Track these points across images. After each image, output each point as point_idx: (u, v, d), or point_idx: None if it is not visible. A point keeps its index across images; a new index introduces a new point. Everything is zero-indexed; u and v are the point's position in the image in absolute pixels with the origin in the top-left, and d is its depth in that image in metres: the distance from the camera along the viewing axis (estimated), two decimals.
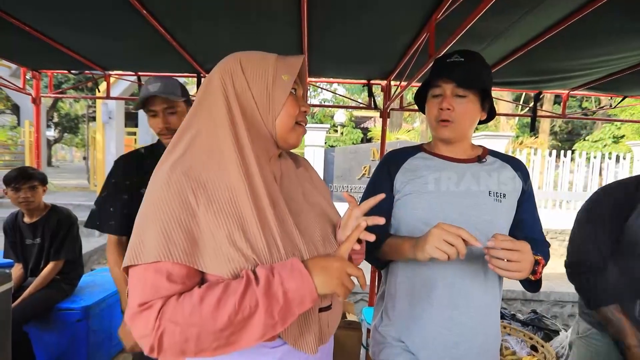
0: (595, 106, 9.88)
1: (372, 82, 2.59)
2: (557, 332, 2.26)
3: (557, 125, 13.81)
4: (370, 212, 0.93)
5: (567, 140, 14.13)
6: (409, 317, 0.87)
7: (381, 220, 0.62)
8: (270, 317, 0.51)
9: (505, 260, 0.69)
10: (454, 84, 0.85)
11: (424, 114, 0.96)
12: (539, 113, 2.70)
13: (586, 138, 11.42)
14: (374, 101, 2.72)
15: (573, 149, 9.07)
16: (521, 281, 0.81)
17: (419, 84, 0.99)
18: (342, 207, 0.92)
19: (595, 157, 6.32)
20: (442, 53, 1.08)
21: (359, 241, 0.69)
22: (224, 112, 0.61)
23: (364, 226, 0.61)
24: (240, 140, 0.60)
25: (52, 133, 15.98)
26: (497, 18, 1.51)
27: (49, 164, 13.82)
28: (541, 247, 0.85)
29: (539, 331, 2.31)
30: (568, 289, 3.78)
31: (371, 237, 0.60)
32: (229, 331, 0.51)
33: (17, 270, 1.96)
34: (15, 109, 11.19)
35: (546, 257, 0.83)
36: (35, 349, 1.86)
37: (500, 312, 2.51)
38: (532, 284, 0.81)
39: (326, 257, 0.58)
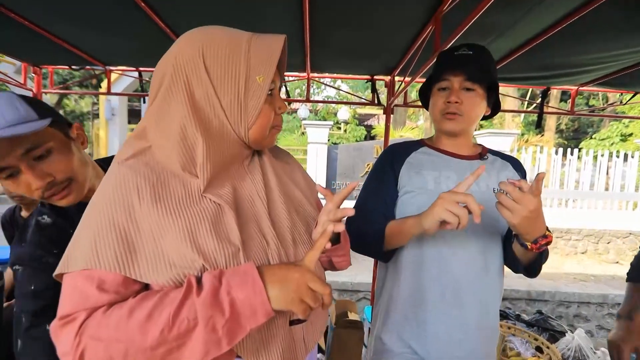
0: (603, 103, 9.73)
1: (375, 77, 2.54)
2: (562, 333, 2.22)
3: (564, 123, 13.64)
4: (374, 206, 0.91)
5: (573, 138, 13.96)
6: (413, 319, 0.85)
7: (350, 212, 0.56)
8: (212, 331, 0.43)
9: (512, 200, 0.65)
10: (463, 77, 0.83)
11: (427, 109, 0.94)
12: (546, 110, 2.64)
13: (593, 136, 11.27)
14: (378, 97, 2.68)
15: (580, 147, 8.95)
16: (521, 262, 0.81)
17: (424, 80, 0.96)
18: (346, 204, 0.88)
19: (602, 156, 6.22)
20: (447, 47, 1.05)
21: (337, 241, 0.64)
22: (177, 123, 0.51)
23: (330, 231, 0.52)
24: (197, 159, 0.52)
25: None
26: (504, 11, 1.46)
27: None
28: None
29: (544, 332, 2.27)
30: (573, 289, 3.73)
31: (340, 227, 0.53)
32: (164, 349, 0.43)
33: None
34: None
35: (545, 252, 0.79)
36: None
37: (505, 312, 2.49)
38: (531, 264, 0.79)
39: (287, 265, 0.49)
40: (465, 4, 1.31)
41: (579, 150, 6.45)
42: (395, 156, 0.93)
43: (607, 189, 6.18)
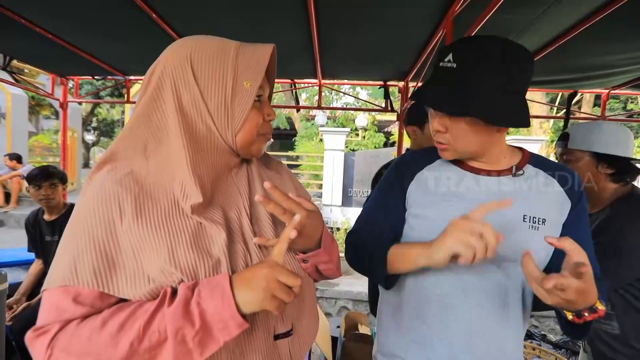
0: None
1: (388, 83, 2.49)
2: None
3: None
4: (376, 220, 0.79)
5: None
6: (415, 356, 0.72)
7: (305, 203, 0.52)
8: (182, 343, 0.42)
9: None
10: (439, 114, 0.67)
11: None
12: (575, 115, 2.47)
13: None
14: (391, 103, 2.62)
15: None
16: (559, 319, 0.64)
17: None
18: (357, 212, 0.80)
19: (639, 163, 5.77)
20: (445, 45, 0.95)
21: (306, 251, 0.59)
22: (170, 126, 0.51)
23: (296, 221, 0.49)
24: (183, 171, 0.51)
25: (90, 137, 17.15)
26: (522, 9, 1.37)
27: (86, 165, 14.80)
28: (597, 286, 0.57)
29: (574, 356, 2.08)
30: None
31: (293, 234, 0.48)
32: None
33: (37, 265, 2.05)
34: (58, 115, 12.10)
35: (603, 296, 0.60)
36: None
37: (530, 332, 2.31)
38: (574, 329, 0.62)
39: (255, 265, 0.47)
40: (478, 3, 1.24)
41: None
42: (405, 169, 0.78)
43: None
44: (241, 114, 0.53)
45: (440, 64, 0.65)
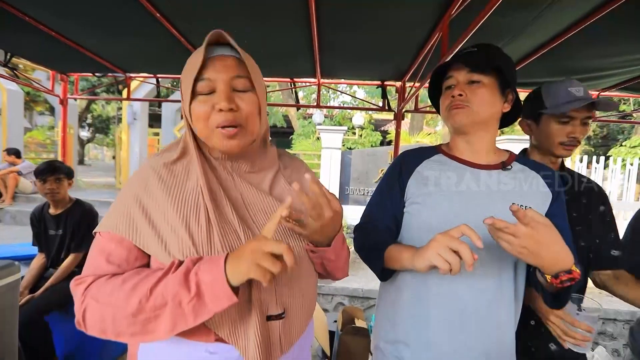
0: (635, 109, 9.22)
1: (386, 83, 2.54)
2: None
3: (591, 130, 13.01)
4: (378, 215, 0.87)
5: (601, 145, 13.27)
6: (415, 340, 0.78)
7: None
8: (177, 306, 0.49)
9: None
10: (466, 70, 0.78)
11: (439, 113, 0.88)
12: None
13: (623, 143, 10.67)
14: (388, 103, 2.66)
15: (608, 154, 8.50)
16: (542, 292, 0.71)
17: None
18: (359, 210, 0.88)
19: (632, 164, 5.88)
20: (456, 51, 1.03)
21: (318, 245, 0.65)
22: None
23: (289, 202, 0.53)
24: (192, 143, 0.64)
25: (85, 133, 16.97)
26: (516, 13, 1.42)
27: (81, 162, 14.66)
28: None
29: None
30: (600, 305, 3.52)
31: (285, 212, 0.53)
32: (143, 317, 0.50)
33: (40, 259, 2.07)
34: (52, 111, 11.96)
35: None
36: (55, 339, 1.95)
37: None
38: (555, 295, 0.69)
39: (246, 243, 0.52)
40: (475, 7, 1.29)
41: (607, 159, 6.11)
42: (404, 166, 0.87)
43: (637, 199, 5.82)
44: (186, 107, 0.60)
45: (460, 52, 0.81)
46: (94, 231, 0.59)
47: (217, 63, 0.58)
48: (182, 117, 0.67)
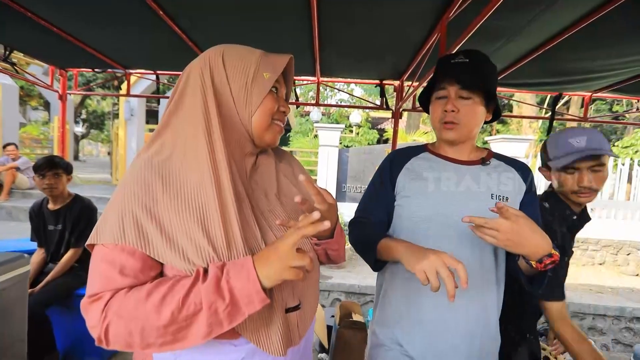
0: (628, 110, 9.34)
1: (384, 82, 2.57)
2: None
3: None
4: (371, 209, 0.95)
5: None
6: (406, 319, 0.86)
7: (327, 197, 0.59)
8: (214, 315, 0.50)
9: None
10: (459, 86, 0.84)
11: (428, 114, 0.96)
12: (562, 117, 2.59)
13: (616, 143, 10.83)
14: (386, 101, 2.70)
15: None
16: (523, 277, 0.77)
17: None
18: (355, 207, 0.93)
19: (623, 164, 5.99)
20: (446, 54, 1.07)
21: (330, 236, 0.68)
22: (199, 107, 0.59)
23: (316, 216, 0.53)
24: (213, 135, 0.59)
25: (80, 129, 16.79)
26: (512, 15, 1.47)
27: (76, 158, 14.48)
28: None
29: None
30: (588, 300, 3.61)
31: (326, 225, 0.52)
32: (174, 328, 0.50)
33: (39, 254, 2.07)
34: (47, 106, 11.81)
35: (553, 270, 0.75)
36: (56, 332, 1.96)
37: None
38: (535, 279, 0.76)
39: (271, 244, 0.54)
40: (472, 9, 1.32)
41: None
42: (394, 163, 0.95)
43: (628, 199, 5.94)
44: (258, 97, 0.62)
45: (452, 60, 0.85)
46: (92, 242, 0.55)
47: (287, 70, 0.68)
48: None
